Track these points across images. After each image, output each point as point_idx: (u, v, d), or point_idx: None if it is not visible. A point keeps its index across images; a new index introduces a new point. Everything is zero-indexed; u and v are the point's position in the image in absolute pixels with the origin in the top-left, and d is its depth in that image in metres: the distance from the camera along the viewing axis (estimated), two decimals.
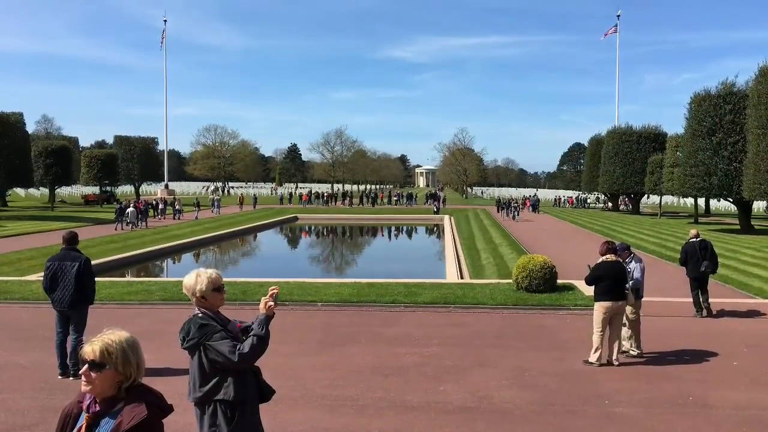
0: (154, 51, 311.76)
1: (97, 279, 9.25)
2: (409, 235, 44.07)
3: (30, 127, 61.84)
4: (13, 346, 9.88)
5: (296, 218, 50.49)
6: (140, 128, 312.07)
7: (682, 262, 12.86)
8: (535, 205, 58.62)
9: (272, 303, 3.96)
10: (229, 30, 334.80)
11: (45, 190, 71.19)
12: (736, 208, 39.05)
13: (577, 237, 31.60)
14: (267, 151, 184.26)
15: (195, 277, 4.05)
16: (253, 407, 4.10)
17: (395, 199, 74.26)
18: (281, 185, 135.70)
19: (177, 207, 44.11)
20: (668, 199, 70.75)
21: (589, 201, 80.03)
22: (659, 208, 55.17)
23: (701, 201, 51.12)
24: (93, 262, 9.65)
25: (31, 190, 79.46)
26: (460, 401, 7.54)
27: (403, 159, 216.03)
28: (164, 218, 43.03)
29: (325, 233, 44.56)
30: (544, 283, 14.08)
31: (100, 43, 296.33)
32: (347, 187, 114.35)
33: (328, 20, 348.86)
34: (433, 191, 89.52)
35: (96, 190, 69.05)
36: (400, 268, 23.46)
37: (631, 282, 9.41)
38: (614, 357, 9.10)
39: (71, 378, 8.15)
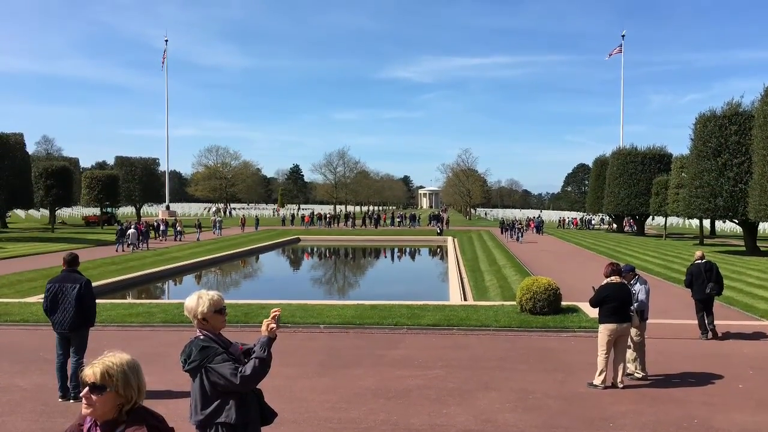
0: (155, 71, 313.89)
1: (97, 301, 9.22)
2: (412, 257, 43.99)
3: (30, 148, 62.07)
4: (13, 369, 9.83)
5: (298, 240, 50.49)
6: (141, 149, 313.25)
7: (688, 283, 12.80)
8: (539, 226, 58.56)
9: (274, 325, 3.93)
10: (231, 50, 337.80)
11: (45, 212, 71.23)
12: (741, 230, 38.94)
13: (582, 258, 31.51)
14: (269, 172, 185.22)
15: (196, 299, 4.03)
16: (254, 430, 4.06)
17: (398, 220, 74.21)
18: (283, 206, 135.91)
19: (178, 228, 44.14)
20: (673, 220, 70.68)
21: (593, 222, 79.93)
22: (664, 230, 55.11)
23: (706, 222, 50.99)
24: (94, 284, 9.63)
25: (32, 212, 79.56)
26: (463, 424, 7.46)
27: (406, 180, 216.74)
28: (165, 240, 43.08)
29: (327, 255, 44.51)
30: (549, 305, 14.01)
31: (100, 63, 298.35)
32: (350, 208, 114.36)
33: (330, 40, 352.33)
34: (437, 212, 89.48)
35: (97, 211, 69.11)
36: (403, 290, 23.39)
37: (636, 304, 9.37)
38: (619, 379, 9.03)
39: (72, 401, 8.10)
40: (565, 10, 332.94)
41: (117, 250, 33.06)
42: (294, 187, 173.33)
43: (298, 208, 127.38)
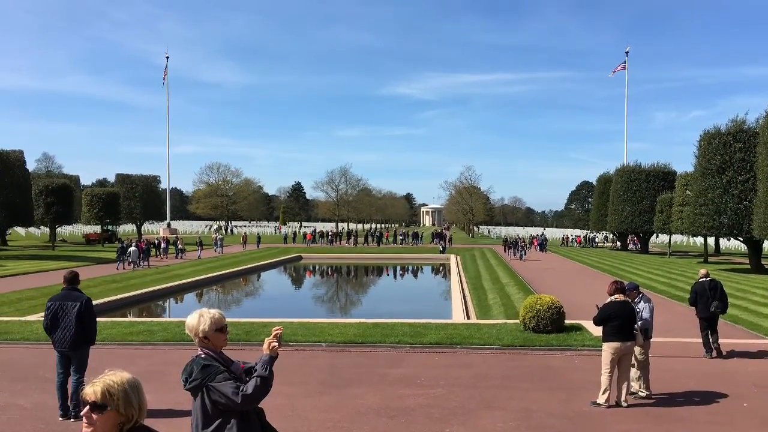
0: (156, 88, 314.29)
1: (98, 319, 9.22)
2: (415, 275, 43.92)
3: (30, 166, 61.89)
4: (13, 387, 9.79)
5: (300, 257, 50.46)
6: (142, 166, 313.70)
7: (692, 302, 12.75)
8: (543, 244, 58.43)
9: (276, 343, 3.91)
10: (231, 66, 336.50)
11: (46, 229, 71.14)
12: (746, 248, 38.83)
13: (585, 277, 31.43)
14: (271, 189, 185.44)
15: (198, 317, 4.01)
16: None
17: (401, 238, 74.20)
18: (285, 224, 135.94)
19: (179, 246, 44.12)
20: (677, 238, 70.53)
21: (597, 240, 79.82)
22: (668, 248, 54.91)
23: (711, 240, 50.83)
24: (94, 302, 9.63)
25: (32, 229, 79.52)
26: None
27: (408, 197, 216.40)
28: (166, 257, 43.05)
29: (329, 273, 44.46)
30: (552, 323, 13.94)
31: (101, 80, 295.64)
32: (352, 225, 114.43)
33: (331, 57, 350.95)
34: (440, 230, 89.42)
35: (97, 229, 68.86)
36: (405, 308, 23.34)
37: (639, 322, 9.32)
38: (623, 398, 8.96)
39: (72, 419, 8.05)
40: (569, 26, 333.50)
41: (118, 268, 33.03)
42: (296, 204, 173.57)
43: (300, 226, 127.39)
